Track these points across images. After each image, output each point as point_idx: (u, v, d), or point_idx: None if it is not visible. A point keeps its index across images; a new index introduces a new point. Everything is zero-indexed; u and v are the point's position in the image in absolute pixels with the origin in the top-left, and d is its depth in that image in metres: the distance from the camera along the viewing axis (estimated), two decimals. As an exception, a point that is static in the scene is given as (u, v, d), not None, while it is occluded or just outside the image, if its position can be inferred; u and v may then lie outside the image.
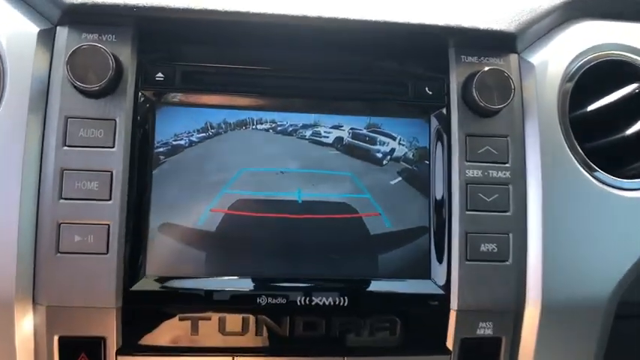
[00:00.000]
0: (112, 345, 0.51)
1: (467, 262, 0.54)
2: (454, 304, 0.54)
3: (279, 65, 0.55)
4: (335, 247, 0.53)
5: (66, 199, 0.50)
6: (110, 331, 0.51)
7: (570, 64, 0.59)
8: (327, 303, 0.52)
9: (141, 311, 0.51)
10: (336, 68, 0.55)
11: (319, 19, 0.52)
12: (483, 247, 0.54)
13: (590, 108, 0.60)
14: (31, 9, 0.53)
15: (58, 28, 0.53)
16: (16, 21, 0.53)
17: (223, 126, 0.53)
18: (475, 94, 0.53)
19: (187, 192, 0.52)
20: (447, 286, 0.54)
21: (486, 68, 0.54)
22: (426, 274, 0.55)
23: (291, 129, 0.54)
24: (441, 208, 0.55)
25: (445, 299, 0.54)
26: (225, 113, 0.54)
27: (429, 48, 0.56)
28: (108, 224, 0.50)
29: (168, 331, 0.52)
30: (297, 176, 0.53)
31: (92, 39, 0.52)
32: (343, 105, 0.55)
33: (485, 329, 0.55)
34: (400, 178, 0.55)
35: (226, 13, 0.52)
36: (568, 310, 0.56)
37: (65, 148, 0.51)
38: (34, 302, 0.50)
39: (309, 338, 0.53)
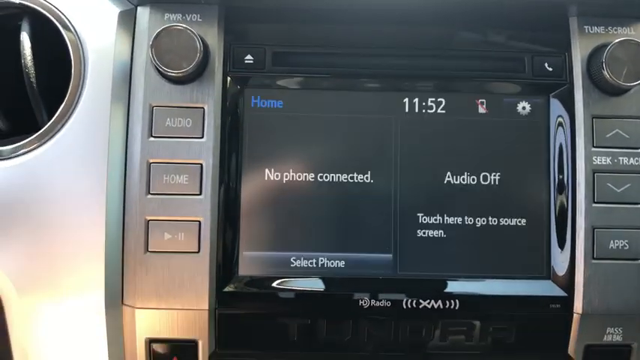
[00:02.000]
0: (205, 348, 0.48)
1: (594, 261, 0.48)
2: (578, 307, 0.49)
3: (378, 43, 0.50)
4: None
5: (154, 194, 0.47)
6: (203, 334, 0.48)
7: None
8: (435, 307, 0.48)
9: (235, 313, 0.48)
10: (442, 45, 0.50)
11: None
12: (613, 244, 0.49)
13: None
14: None
15: (138, 8, 0.49)
16: (94, 3, 0.49)
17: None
18: (605, 70, 0.47)
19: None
20: (570, 288, 0.49)
21: (617, 40, 0.48)
22: (544, 272, 0.49)
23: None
24: (564, 199, 0.49)
25: (568, 302, 0.49)
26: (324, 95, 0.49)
27: (547, 18, 0.50)
28: (199, 221, 0.47)
29: (263, 334, 0.48)
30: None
31: (176, 19, 0.48)
32: (450, 84, 0.50)
33: (613, 335, 0.50)
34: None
35: None
36: None
37: (151, 139, 0.47)
38: (123, 304, 0.48)
39: (415, 343, 0.49)
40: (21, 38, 0.49)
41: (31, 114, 0.51)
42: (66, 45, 0.49)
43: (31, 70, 0.50)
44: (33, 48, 0.49)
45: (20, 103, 0.51)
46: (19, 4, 0.49)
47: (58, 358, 0.50)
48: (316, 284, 0.49)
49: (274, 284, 0.49)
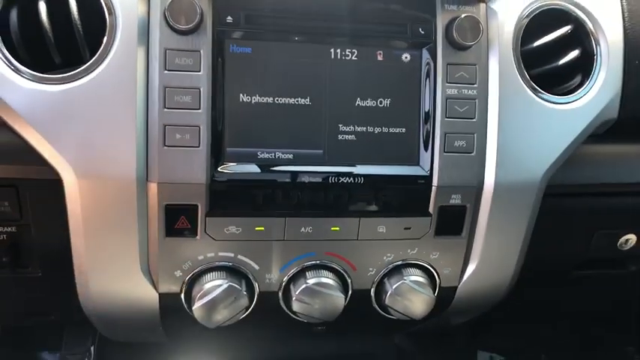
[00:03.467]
0: (203, 210, 0.72)
1: (445, 153, 0.74)
2: (435, 182, 0.75)
3: (316, 10, 0.72)
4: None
5: (168, 108, 0.70)
6: (201, 200, 0.71)
7: (523, 11, 0.79)
8: (348, 182, 0.74)
9: (222, 186, 0.71)
10: (354, 13, 0.73)
11: None
12: (456, 143, 0.75)
13: (536, 44, 0.82)
14: None
15: None
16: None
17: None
18: (454, 34, 0.74)
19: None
20: (430, 170, 0.75)
21: (463, 15, 0.74)
22: (415, 161, 0.76)
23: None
24: (428, 116, 0.77)
25: (429, 179, 0.75)
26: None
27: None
28: (199, 126, 0.70)
29: (241, 200, 0.72)
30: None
31: None
32: (360, 40, 0.73)
33: (455, 199, 0.77)
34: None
35: None
36: (512, 187, 0.79)
37: (166, 72, 0.69)
38: (148, 180, 0.71)
39: (335, 204, 0.74)
40: None
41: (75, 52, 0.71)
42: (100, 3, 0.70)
43: (76, 16, 0.70)
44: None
45: (67, 43, 0.71)
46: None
47: (104, 228, 0.72)
48: (274, 169, 0.75)
49: (246, 169, 0.73)
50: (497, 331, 1.37)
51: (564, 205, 0.88)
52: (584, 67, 0.82)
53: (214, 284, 0.73)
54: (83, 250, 0.73)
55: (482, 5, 0.76)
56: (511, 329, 1.40)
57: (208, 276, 0.74)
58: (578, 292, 1.15)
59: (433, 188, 0.76)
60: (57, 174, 0.71)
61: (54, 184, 0.73)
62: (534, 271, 0.88)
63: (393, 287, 0.78)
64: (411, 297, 0.79)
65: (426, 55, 0.75)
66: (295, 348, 1.01)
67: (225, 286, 0.73)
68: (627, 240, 0.93)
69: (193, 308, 0.74)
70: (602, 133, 0.85)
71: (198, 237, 0.73)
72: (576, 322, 1.40)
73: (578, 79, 0.82)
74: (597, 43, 0.81)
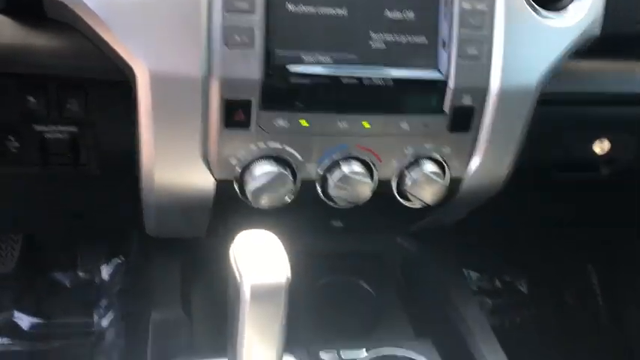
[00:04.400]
0: (256, 104, 0.83)
1: (459, 60, 0.86)
2: (451, 84, 0.88)
3: None
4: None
5: (229, 11, 0.78)
6: (255, 95, 0.81)
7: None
8: (380, 83, 0.87)
9: (273, 83, 0.82)
10: None
11: None
12: (469, 51, 0.87)
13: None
14: None
15: None
16: None
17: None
18: None
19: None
20: (447, 74, 0.88)
21: None
22: (435, 66, 0.88)
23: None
24: (446, 27, 0.88)
25: (445, 82, 0.88)
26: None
27: None
28: (253, 29, 0.79)
29: (288, 97, 0.83)
30: None
31: None
32: None
33: (466, 100, 0.91)
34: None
35: None
36: (513, 91, 0.92)
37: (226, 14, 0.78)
38: (210, 76, 0.80)
39: (369, 103, 0.87)
40: None
41: None
42: None
43: None
44: None
45: None
46: None
47: (171, 121, 0.82)
48: (316, 69, 0.86)
49: (292, 69, 0.83)
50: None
51: (551, 113, 1.04)
52: None
53: (265, 170, 0.86)
54: (152, 143, 0.84)
55: None
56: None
57: (259, 163, 0.87)
58: (555, 201, 1.32)
59: (448, 90, 0.89)
60: (124, 75, 0.82)
61: (120, 85, 0.83)
62: (521, 171, 1.04)
63: (413, 176, 0.93)
64: (427, 185, 0.93)
65: None
66: (311, 244, 1.15)
67: (275, 171, 0.86)
68: (602, 145, 1.10)
69: (247, 190, 0.86)
70: (584, 49, 1.00)
71: (251, 129, 0.85)
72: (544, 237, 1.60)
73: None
74: None
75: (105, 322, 1.69)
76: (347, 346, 0.97)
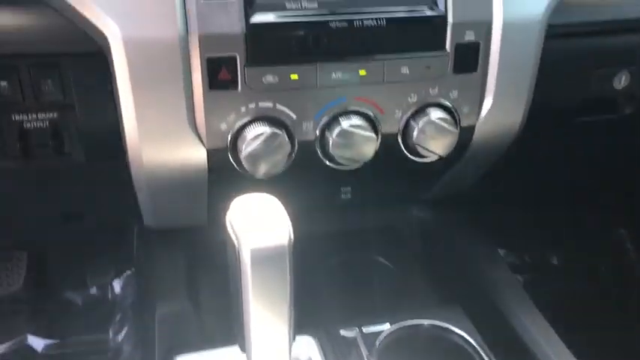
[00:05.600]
0: (241, 61, 0.77)
1: None
2: (450, 19, 0.82)
3: None
4: None
5: None
6: (239, 49, 0.75)
7: None
8: (372, 24, 0.81)
9: (257, 35, 0.76)
10: None
11: None
12: None
13: None
14: None
15: None
16: None
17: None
18: None
19: None
20: (445, 8, 0.81)
21: None
22: (432, 1, 0.82)
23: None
24: None
25: (444, 17, 0.81)
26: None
27: None
28: None
29: (275, 49, 0.77)
30: None
31: None
32: None
33: (469, 36, 0.85)
34: None
35: None
36: (518, 23, 0.85)
37: None
38: (188, 33, 0.75)
39: (363, 48, 0.81)
40: None
41: None
42: None
43: None
44: None
45: None
46: None
47: (152, 88, 0.76)
48: (302, 15, 0.80)
49: (276, 17, 0.78)
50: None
51: (565, 46, 0.96)
52: None
53: (258, 132, 0.79)
54: (134, 116, 0.78)
55: None
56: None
57: (251, 126, 0.80)
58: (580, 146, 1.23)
59: (449, 25, 0.82)
60: (97, 46, 0.76)
61: (95, 60, 0.77)
62: (540, 116, 0.96)
63: (420, 125, 0.85)
64: (436, 134, 0.86)
65: None
66: (320, 221, 1.07)
67: (269, 132, 0.79)
68: (622, 78, 1.01)
69: (241, 157, 0.79)
70: None
71: (239, 89, 0.78)
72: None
73: None
74: None
75: (120, 337, 1.63)
76: (369, 322, 0.89)
